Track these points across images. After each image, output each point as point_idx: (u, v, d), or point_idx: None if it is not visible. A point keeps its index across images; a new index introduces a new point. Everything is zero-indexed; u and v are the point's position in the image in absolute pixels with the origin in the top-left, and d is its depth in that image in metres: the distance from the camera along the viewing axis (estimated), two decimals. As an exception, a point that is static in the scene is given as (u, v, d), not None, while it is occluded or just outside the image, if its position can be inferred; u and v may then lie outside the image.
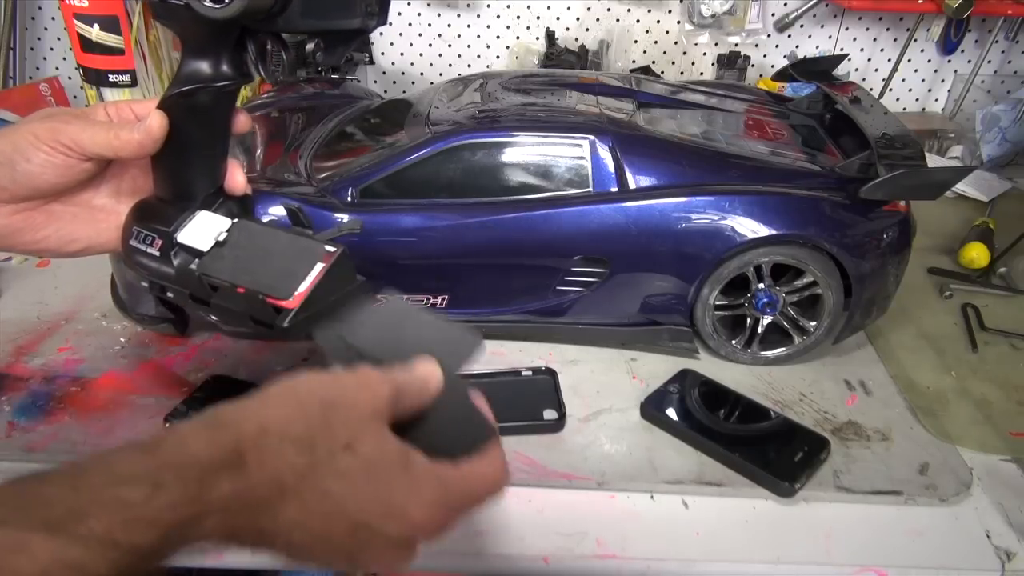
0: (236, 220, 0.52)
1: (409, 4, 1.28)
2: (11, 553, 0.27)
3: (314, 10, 0.46)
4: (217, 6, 0.42)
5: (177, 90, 0.50)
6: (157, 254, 0.52)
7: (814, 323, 0.71)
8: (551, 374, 0.69)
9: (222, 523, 0.32)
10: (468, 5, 1.28)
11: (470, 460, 0.39)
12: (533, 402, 0.66)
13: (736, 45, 1.30)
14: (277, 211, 0.67)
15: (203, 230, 0.51)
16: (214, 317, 0.53)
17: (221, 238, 0.51)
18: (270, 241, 0.51)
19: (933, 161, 1.10)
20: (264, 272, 0.49)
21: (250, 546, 0.34)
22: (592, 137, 0.69)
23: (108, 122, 0.52)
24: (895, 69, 1.29)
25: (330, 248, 0.50)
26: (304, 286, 0.48)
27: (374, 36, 1.30)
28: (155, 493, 0.30)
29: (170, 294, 0.53)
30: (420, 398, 0.40)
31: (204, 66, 0.49)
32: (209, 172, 0.53)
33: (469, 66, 1.35)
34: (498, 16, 1.29)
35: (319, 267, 0.48)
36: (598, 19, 1.30)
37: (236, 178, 0.55)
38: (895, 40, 1.33)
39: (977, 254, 0.91)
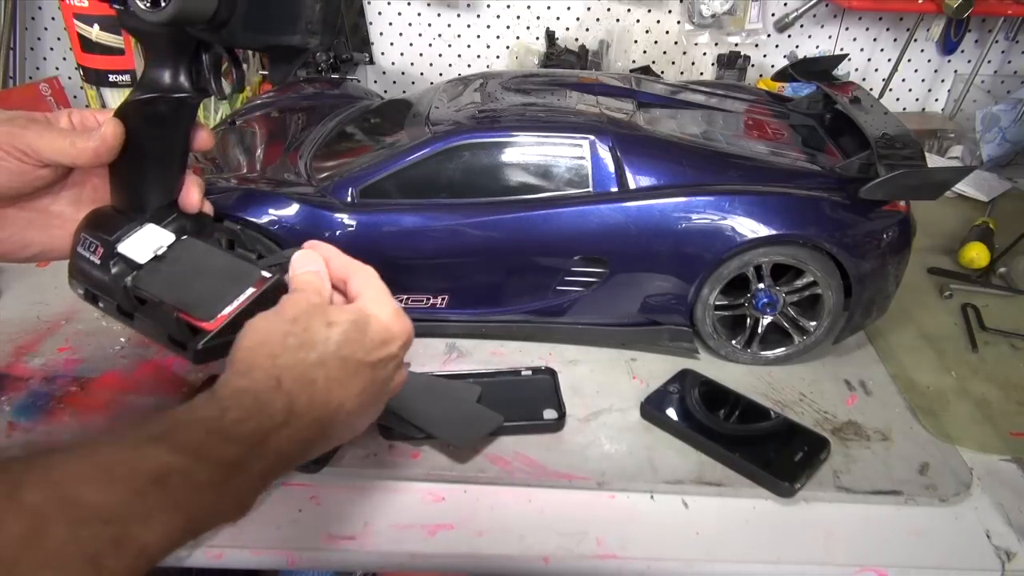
0: (184, 237, 0.51)
1: (409, 4, 1.28)
2: (131, 452, 0.34)
3: (255, 24, 0.45)
4: (150, 9, 0.42)
5: (135, 97, 0.49)
6: (97, 262, 0.51)
7: (814, 323, 0.71)
8: (551, 374, 0.69)
9: (287, 437, 0.40)
10: (468, 5, 1.28)
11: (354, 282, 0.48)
12: (533, 402, 0.66)
13: (736, 45, 1.30)
14: (282, 211, 0.68)
15: (145, 243, 0.50)
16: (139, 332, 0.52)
17: (160, 252, 0.50)
18: (210, 261, 0.50)
19: (933, 161, 1.10)
20: (193, 292, 0.48)
21: (311, 445, 0.43)
22: (592, 137, 0.69)
23: (67, 129, 0.51)
24: (895, 69, 1.29)
25: (266, 274, 0.48)
26: (228, 309, 0.47)
27: (374, 36, 1.30)
28: (224, 414, 0.38)
29: (101, 304, 0.52)
30: (322, 278, 0.48)
31: (163, 76, 0.48)
32: (162, 185, 0.52)
33: (469, 66, 1.35)
34: (498, 16, 1.30)
35: (249, 291, 0.47)
36: (598, 19, 1.30)
37: (191, 196, 0.54)
38: (895, 40, 1.33)
39: (977, 254, 0.90)
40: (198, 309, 0.47)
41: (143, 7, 0.42)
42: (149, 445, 0.35)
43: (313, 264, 0.48)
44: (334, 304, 0.46)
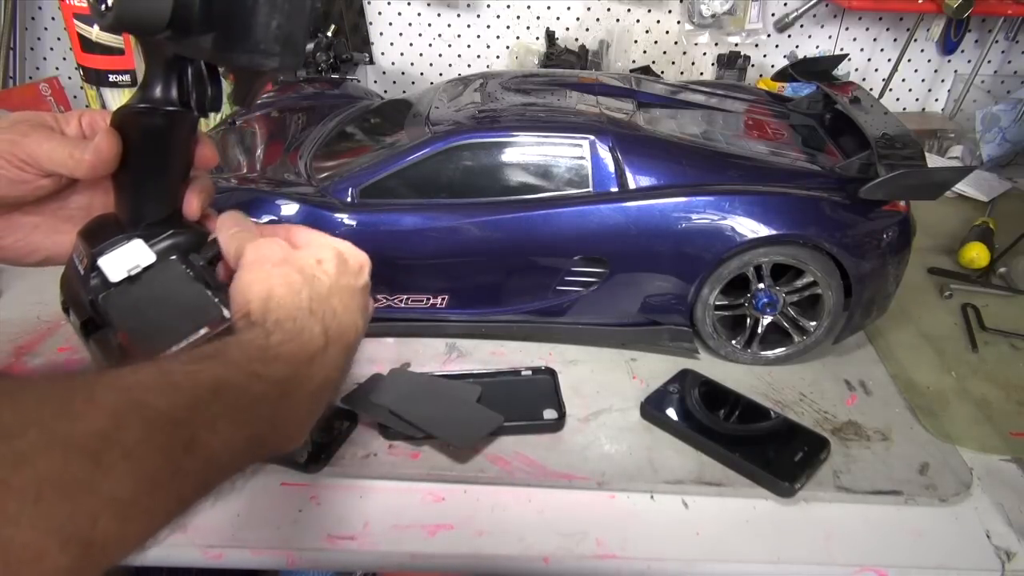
0: (172, 258, 0.48)
1: (409, 4, 1.28)
2: (191, 365, 0.35)
3: (212, 40, 0.42)
4: (101, 9, 0.40)
5: (132, 106, 0.47)
6: (81, 272, 0.48)
7: (814, 323, 0.71)
8: (551, 374, 0.69)
9: (329, 359, 0.42)
10: (468, 5, 1.28)
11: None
12: (533, 402, 0.66)
13: (736, 45, 1.30)
14: (282, 212, 0.68)
15: (123, 260, 0.47)
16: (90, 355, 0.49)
17: (133, 273, 0.47)
18: (178, 291, 0.47)
19: (933, 161, 1.10)
20: (148, 323, 0.46)
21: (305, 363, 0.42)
22: (592, 137, 0.69)
23: (69, 138, 0.49)
24: (895, 69, 1.29)
25: (227, 314, 0.46)
26: (174, 348, 0.44)
27: (374, 36, 1.30)
28: (269, 336, 0.40)
29: (71, 317, 0.49)
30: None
31: (156, 87, 0.46)
32: (158, 198, 0.49)
33: (469, 66, 1.35)
34: (498, 16, 1.30)
35: (202, 332, 0.45)
36: (598, 19, 1.30)
37: (191, 203, 0.51)
38: (895, 40, 1.33)
39: (977, 254, 0.90)
40: (145, 343, 0.45)
41: (97, 8, 0.40)
42: (204, 360, 0.36)
43: (236, 224, 0.49)
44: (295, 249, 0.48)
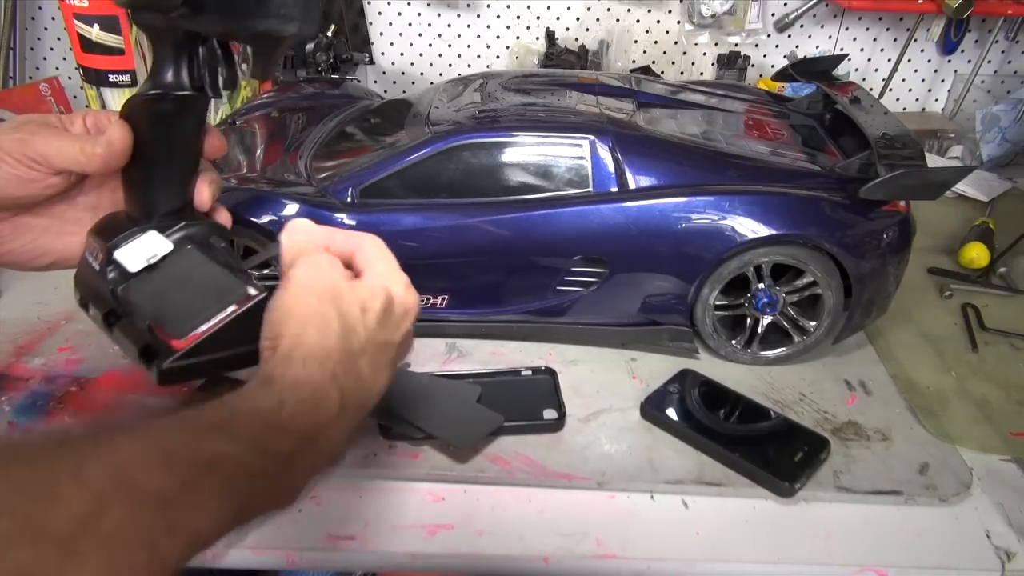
0: (187, 247, 0.49)
1: (409, 4, 1.28)
2: (191, 438, 0.34)
3: (227, 9, 0.43)
4: None
5: (142, 93, 0.47)
6: (97, 268, 0.49)
7: (814, 323, 0.71)
8: (551, 374, 0.69)
9: (338, 429, 0.41)
10: (468, 5, 1.28)
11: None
12: (533, 402, 0.66)
13: (736, 45, 1.30)
14: (282, 212, 0.68)
15: (140, 251, 0.48)
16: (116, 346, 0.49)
17: (153, 262, 0.47)
18: (201, 274, 0.48)
19: (933, 161, 1.10)
20: (174, 305, 0.46)
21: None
22: (592, 137, 0.69)
23: (77, 135, 0.49)
24: (895, 69, 1.29)
25: (252, 291, 0.46)
26: (203, 328, 0.44)
27: (374, 36, 1.30)
28: (281, 407, 0.38)
29: (90, 312, 0.50)
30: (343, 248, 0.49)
31: (166, 72, 0.47)
32: (169, 189, 0.50)
33: (469, 66, 1.35)
34: (498, 16, 1.30)
35: (230, 310, 0.45)
36: (598, 19, 1.30)
37: (202, 193, 0.52)
38: (895, 40, 1.33)
39: (977, 254, 0.91)
40: (173, 324, 0.45)
41: None
42: (208, 433, 0.35)
43: (303, 232, 0.48)
44: (349, 281, 0.46)
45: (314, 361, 0.41)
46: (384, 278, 0.47)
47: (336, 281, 0.44)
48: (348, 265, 0.48)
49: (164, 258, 0.48)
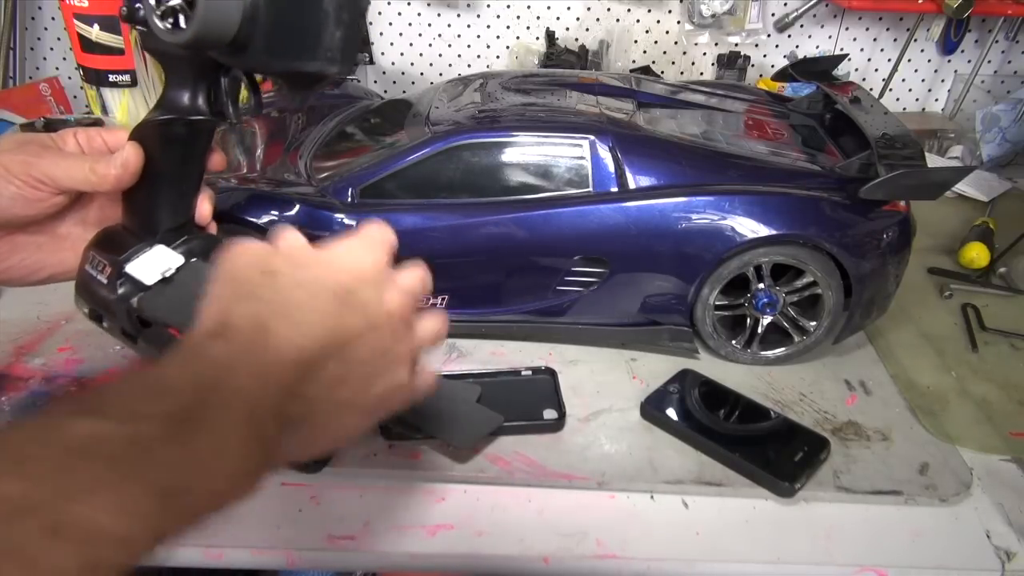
0: (193, 260, 0.50)
1: (409, 4, 1.28)
2: (49, 432, 0.29)
3: (276, 49, 0.45)
4: (171, 30, 0.42)
5: (154, 118, 0.49)
6: (105, 281, 0.50)
7: (814, 323, 0.71)
8: (551, 374, 0.69)
9: (249, 376, 0.34)
10: (468, 5, 1.28)
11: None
12: (533, 402, 0.66)
13: (736, 45, 1.30)
14: (282, 212, 0.68)
15: (153, 264, 0.50)
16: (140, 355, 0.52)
17: (168, 275, 0.49)
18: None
19: (933, 161, 1.10)
20: (194, 315, 0.46)
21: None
22: (592, 137, 0.69)
23: (82, 154, 0.50)
24: (895, 69, 1.29)
25: None
26: None
27: (374, 36, 1.30)
28: (155, 368, 0.33)
29: (105, 324, 0.52)
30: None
31: (182, 98, 0.48)
32: (175, 206, 0.52)
33: (469, 66, 1.35)
34: (498, 16, 1.30)
35: None
36: (598, 19, 1.30)
37: (203, 208, 0.53)
38: (895, 40, 1.33)
39: (977, 254, 0.91)
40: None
41: (164, 28, 0.42)
42: (72, 418, 0.29)
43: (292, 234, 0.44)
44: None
45: (207, 317, 0.36)
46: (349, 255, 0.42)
47: (268, 252, 0.40)
48: None
49: (177, 270, 0.49)
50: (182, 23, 0.41)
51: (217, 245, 0.53)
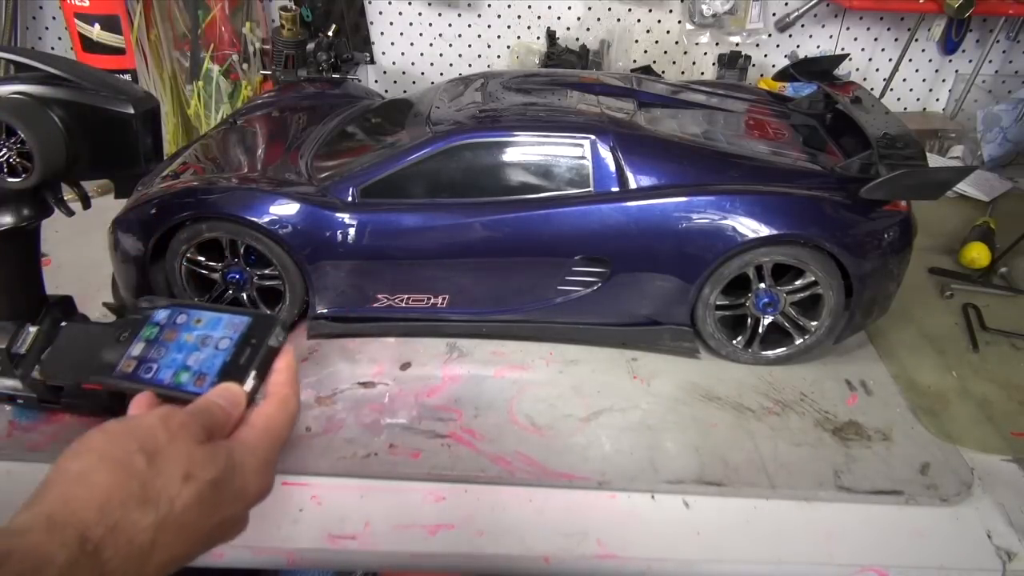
0: (64, 324, 0.57)
1: (410, 4, 1.28)
2: None
3: (103, 167, 0.56)
4: (18, 180, 0.51)
5: None
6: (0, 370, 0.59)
7: (815, 323, 0.71)
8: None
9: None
10: (469, 5, 1.28)
11: (258, 409, 0.42)
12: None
13: (737, 45, 1.30)
14: (283, 211, 0.68)
15: (34, 340, 0.59)
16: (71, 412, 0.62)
17: (54, 343, 0.55)
18: (93, 334, 0.53)
19: (934, 161, 1.10)
20: (94, 362, 0.48)
21: None
22: (593, 137, 0.69)
23: None
24: (896, 69, 1.29)
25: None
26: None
27: (375, 36, 1.30)
28: None
29: (20, 401, 0.61)
30: (230, 412, 0.41)
31: (8, 216, 0.55)
32: (26, 292, 0.60)
33: (470, 66, 1.34)
34: (499, 16, 1.29)
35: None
36: (599, 19, 1.30)
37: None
38: (896, 40, 1.32)
39: (978, 254, 0.90)
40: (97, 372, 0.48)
41: (11, 181, 0.51)
42: None
43: (224, 397, 0.41)
44: (208, 443, 0.38)
45: (71, 527, 0.33)
46: (240, 444, 0.39)
47: (174, 435, 0.37)
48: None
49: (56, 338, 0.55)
50: (23, 173, 0.51)
51: (71, 302, 0.64)
